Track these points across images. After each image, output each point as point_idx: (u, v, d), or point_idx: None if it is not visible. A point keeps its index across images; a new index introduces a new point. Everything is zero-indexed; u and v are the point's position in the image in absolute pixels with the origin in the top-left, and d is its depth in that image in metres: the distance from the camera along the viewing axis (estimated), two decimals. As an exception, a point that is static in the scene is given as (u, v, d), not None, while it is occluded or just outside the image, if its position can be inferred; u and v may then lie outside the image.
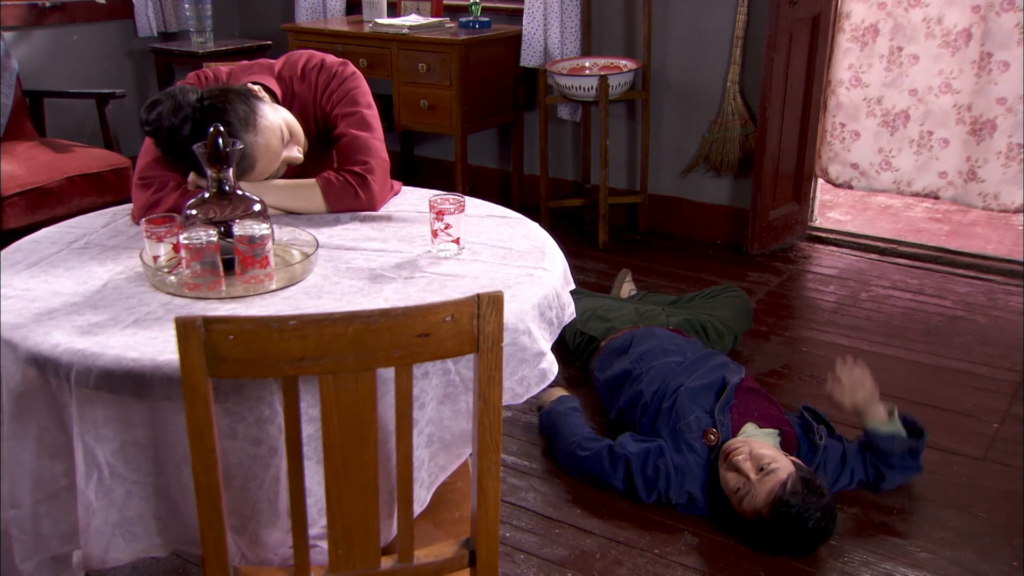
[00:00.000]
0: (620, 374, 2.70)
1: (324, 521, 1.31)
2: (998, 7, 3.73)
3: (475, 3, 4.29)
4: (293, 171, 2.00)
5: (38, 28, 4.42)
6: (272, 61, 2.10)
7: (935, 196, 4.10)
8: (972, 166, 3.92)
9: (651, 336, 2.77)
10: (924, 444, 2.45)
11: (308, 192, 1.97)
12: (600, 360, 2.83)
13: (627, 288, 3.50)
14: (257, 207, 1.64)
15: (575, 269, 2.13)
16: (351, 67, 2.09)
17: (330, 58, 2.09)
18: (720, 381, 2.53)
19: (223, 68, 2.08)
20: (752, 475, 2.21)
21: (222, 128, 1.58)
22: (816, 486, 2.18)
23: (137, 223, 1.88)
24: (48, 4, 4.43)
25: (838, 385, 2.48)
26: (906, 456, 2.42)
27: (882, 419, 2.42)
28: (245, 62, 2.11)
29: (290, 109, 2.00)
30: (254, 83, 1.98)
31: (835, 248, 4.20)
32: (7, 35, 4.01)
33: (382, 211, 2.01)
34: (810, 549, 2.21)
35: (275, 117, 1.88)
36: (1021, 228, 4.49)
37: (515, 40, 4.33)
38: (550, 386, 2.24)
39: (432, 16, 4.40)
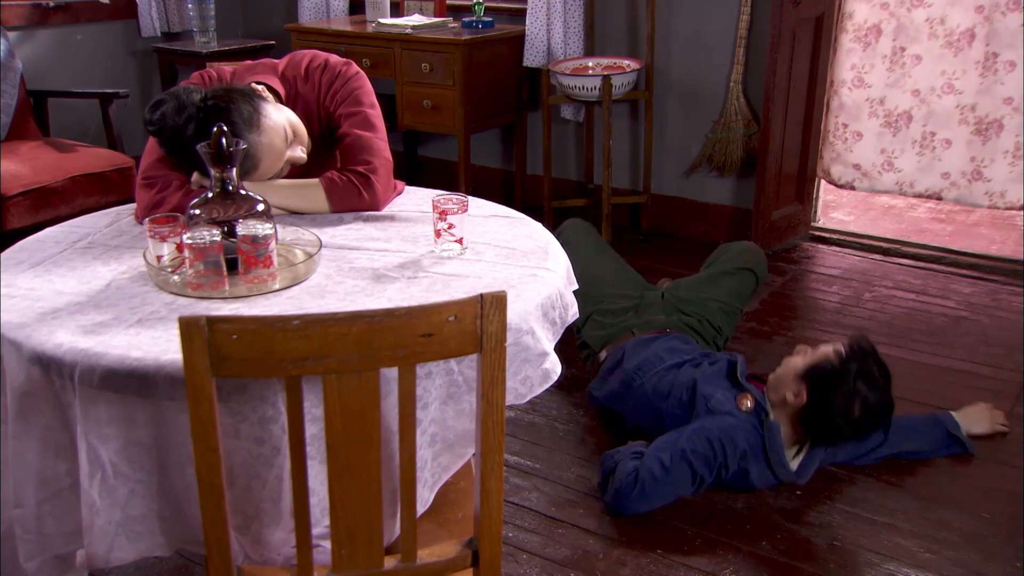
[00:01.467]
0: (618, 388, 2.68)
1: (327, 521, 1.32)
2: (1004, 7, 3.72)
3: (478, 3, 4.29)
4: (297, 171, 2.00)
5: (42, 28, 4.43)
6: (276, 61, 2.10)
7: (938, 197, 4.09)
8: (977, 166, 3.91)
9: (642, 348, 2.74)
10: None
11: (311, 192, 1.97)
12: (597, 382, 2.80)
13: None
14: (260, 207, 1.65)
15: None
16: (355, 67, 2.09)
17: (334, 58, 2.09)
18: (727, 363, 2.59)
19: (227, 68, 2.08)
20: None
21: (226, 128, 1.58)
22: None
23: (141, 223, 1.88)
24: (52, 4, 4.44)
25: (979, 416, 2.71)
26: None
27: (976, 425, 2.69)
28: (249, 62, 2.11)
29: (294, 109, 2.00)
30: (258, 83, 1.98)
31: (838, 248, 4.20)
32: (11, 35, 4.02)
33: (385, 211, 2.01)
34: (888, 399, 2.38)
35: (279, 117, 1.88)
36: (1025, 228, 4.48)
37: (518, 40, 4.33)
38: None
39: (435, 16, 4.40)
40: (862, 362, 2.35)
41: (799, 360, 2.43)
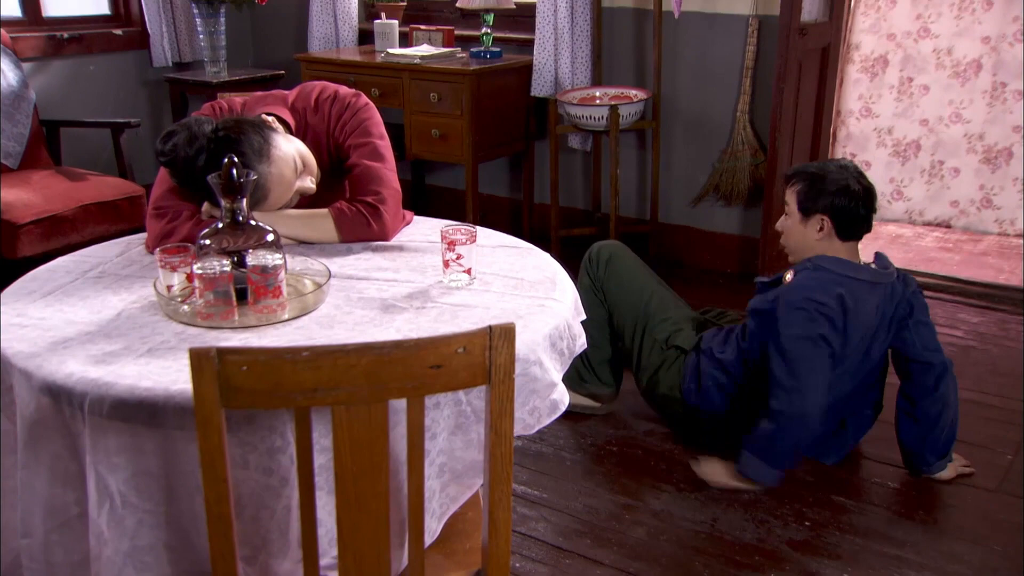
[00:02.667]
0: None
1: (335, 551, 1.31)
2: (1011, 38, 3.75)
3: (486, 33, 4.33)
4: (306, 201, 2.02)
5: (56, 59, 4.48)
6: (286, 92, 2.12)
7: (947, 225, 4.10)
8: (987, 193, 3.92)
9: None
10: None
11: (321, 222, 1.98)
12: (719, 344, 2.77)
13: None
14: (270, 237, 1.65)
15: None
16: (364, 98, 2.11)
17: (343, 89, 2.11)
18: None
19: (237, 99, 2.10)
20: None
21: (236, 159, 1.60)
22: None
23: (151, 252, 1.90)
24: (66, 35, 4.49)
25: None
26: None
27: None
28: (259, 93, 2.13)
29: (303, 140, 2.02)
30: (268, 114, 2.00)
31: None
32: (26, 66, 4.06)
33: (394, 241, 2.02)
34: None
35: (288, 148, 1.90)
36: (1033, 258, 4.47)
37: (526, 70, 4.36)
38: None
39: (444, 46, 4.44)
40: (822, 166, 2.57)
41: (790, 217, 2.57)
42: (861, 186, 2.51)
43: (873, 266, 2.56)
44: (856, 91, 4.05)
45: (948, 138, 3.92)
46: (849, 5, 3.99)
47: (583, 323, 1.82)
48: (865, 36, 3.99)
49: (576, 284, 2.51)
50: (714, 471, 2.60)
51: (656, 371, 2.79)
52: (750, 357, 2.59)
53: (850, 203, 2.49)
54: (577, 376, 2.92)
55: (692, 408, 2.72)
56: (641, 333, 2.83)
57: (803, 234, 2.56)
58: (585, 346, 1.78)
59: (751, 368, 2.59)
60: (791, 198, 2.57)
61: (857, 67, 4.02)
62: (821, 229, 2.53)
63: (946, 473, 2.64)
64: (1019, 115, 3.75)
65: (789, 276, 2.54)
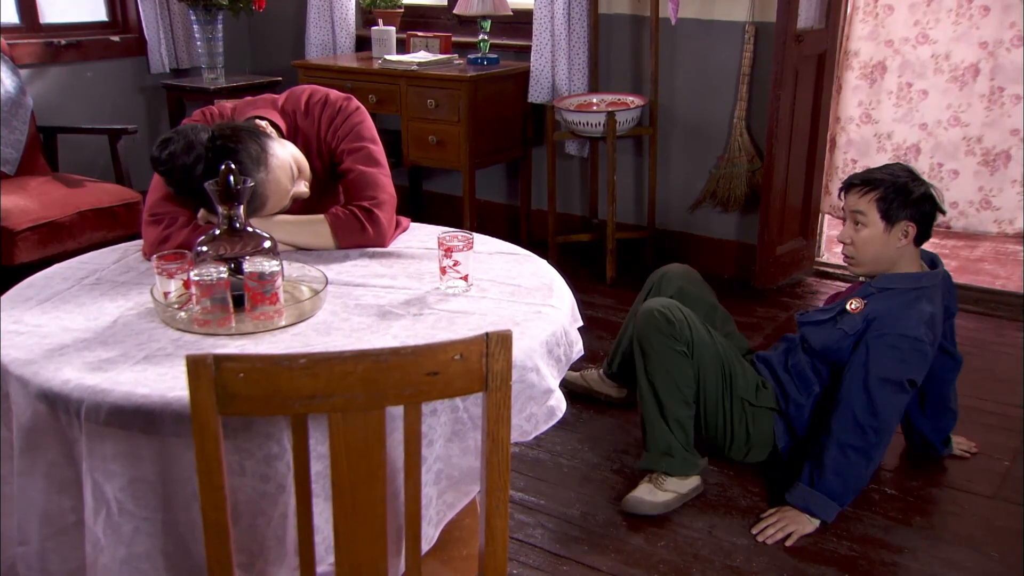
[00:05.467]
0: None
1: (332, 559, 1.31)
2: (1008, 43, 3.77)
3: (484, 40, 4.33)
4: (299, 206, 2.01)
5: (53, 65, 4.48)
6: (275, 96, 2.12)
7: (947, 227, 4.12)
8: (986, 195, 3.95)
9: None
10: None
11: (317, 228, 1.98)
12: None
13: None
14: (267, 244, 1.65)
15: (583, 304, 2.13)
16: (355, 102, 2.11)
17: (334, 93, 2.11)
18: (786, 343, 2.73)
19: (228, 104, 2.10)
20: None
21: (234, 166, 1.60)
22: None
23: (148, 259, 1.90)
24: (63, 42, 4.49)
25: None
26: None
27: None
28: (249, 98, 2.13)
29: (294, 143, 2.02)
30: (259, 118, 1.99)
31: (842, 284, 4.19)
32: (23, 72, 4.06)
33: (391, 247, 2.02)
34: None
35: (284, 154, 1.90)
36: (1030, 263, 4.48)
37: (523, 76, 4.37)
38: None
39: (441, 53, 4.45)
40: (890, 172, 2.48)
41: (869, 230, 2.44)
42: (932, 189, 2.48)
43: (926, 268, 2.54)
44: (856, 97, 4.06)
45: (947, 141, 3.93)
46: (846, 12, 4.00)
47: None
48: (864, 43, 4.00)
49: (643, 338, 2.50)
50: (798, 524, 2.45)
51: (747, 438, 2.62)
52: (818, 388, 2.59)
53: (932, 208, 2.45)
54: (684, 461, 2.53)
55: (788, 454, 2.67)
56: (729, 392, 2.60)
57: (885, 243, 2.44)
58: (582, 352, 1.78)
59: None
60: (869, 207, 2.43)
61: (856, 74, 4.03)
62: (906, 236, 2.44)
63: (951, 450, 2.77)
64: (1017, 119, 3.76)
65: (856, 305, 2.47)
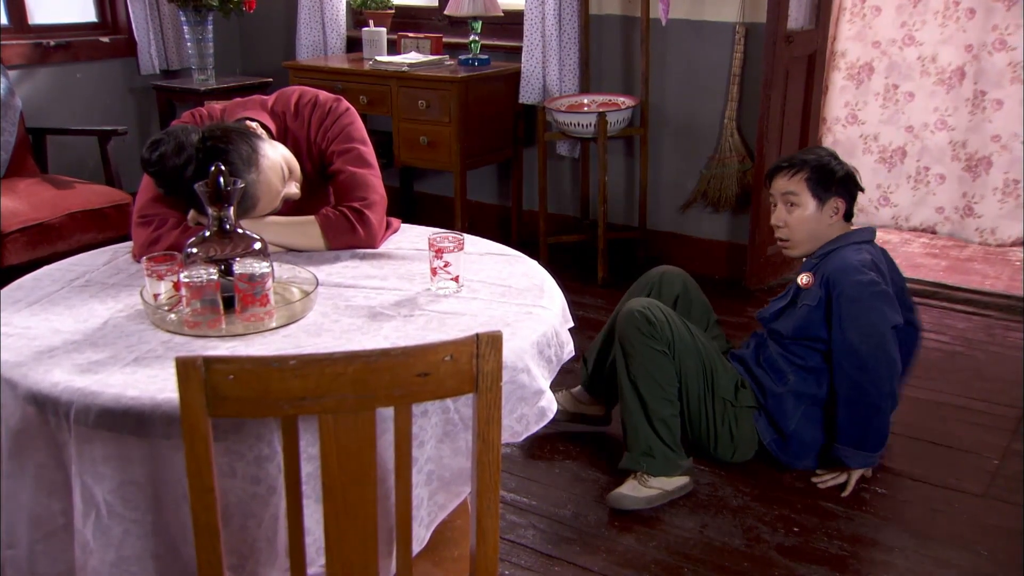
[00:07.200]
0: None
1: (323, 560, 1.31)
2: (990, 46, 3.77)
3: (475, 41, 4.33)
4: (289, 207, 2.01)
5: (42, 66, 4.46)
6: (265, 97, 2.12)
7: (932, 231, 4.12)
8: (969, 202, 3.95)
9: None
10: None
11: (308, 229, 1.98)
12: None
13: None
14: (257, 245, 1.65)
15: (574, 305, 2.13)
16: (344, 103, 2.10)
17: (323, 94, 2.11)
18: (756, 338, 2.81)
19: (217, 105, 2.09)
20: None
21: (224, 168, 1.59)
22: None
23: (138, 261, 1.89)
24: (53, 43, 4.48)
25: None
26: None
27: None
28: (239, 99, 2.12)
29: (284, 145, 2.01)
30: (249, 119, 1.99)
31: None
32: (12, 73, 4.05)
33: (382, 248, 2.02)
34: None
35: (275, 155, 1.90)
36: (1019, 263, 4.49)
37: (514, 77, 4.37)
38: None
39: (432, 54, 4.45)
40: (814, 153, 2.65)
41: (801, 209, 2.58)
42: (853, 169, 2.65)
43: None
44: (842, 98, 4.07)
45: (933, 144, 3.94)
46: (835, 13, 4.02)
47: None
48: (851, 44, 4.01)
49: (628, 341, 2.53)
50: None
51: (731, 437, 2.65)
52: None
53: (856, 186, 2.62)
54: (666, 461, 2.53)
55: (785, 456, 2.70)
56: (710, 392, 2.62)
57: (818, 220, 2.60)
58: (573, 353, 1.78)
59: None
60: (799, 186, 2.59)
61: (843, 74, 4.04)
62: (836, 212, 2.59)
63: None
64: (998, 124, 3.77)
65: (807, 280, 2.58)
